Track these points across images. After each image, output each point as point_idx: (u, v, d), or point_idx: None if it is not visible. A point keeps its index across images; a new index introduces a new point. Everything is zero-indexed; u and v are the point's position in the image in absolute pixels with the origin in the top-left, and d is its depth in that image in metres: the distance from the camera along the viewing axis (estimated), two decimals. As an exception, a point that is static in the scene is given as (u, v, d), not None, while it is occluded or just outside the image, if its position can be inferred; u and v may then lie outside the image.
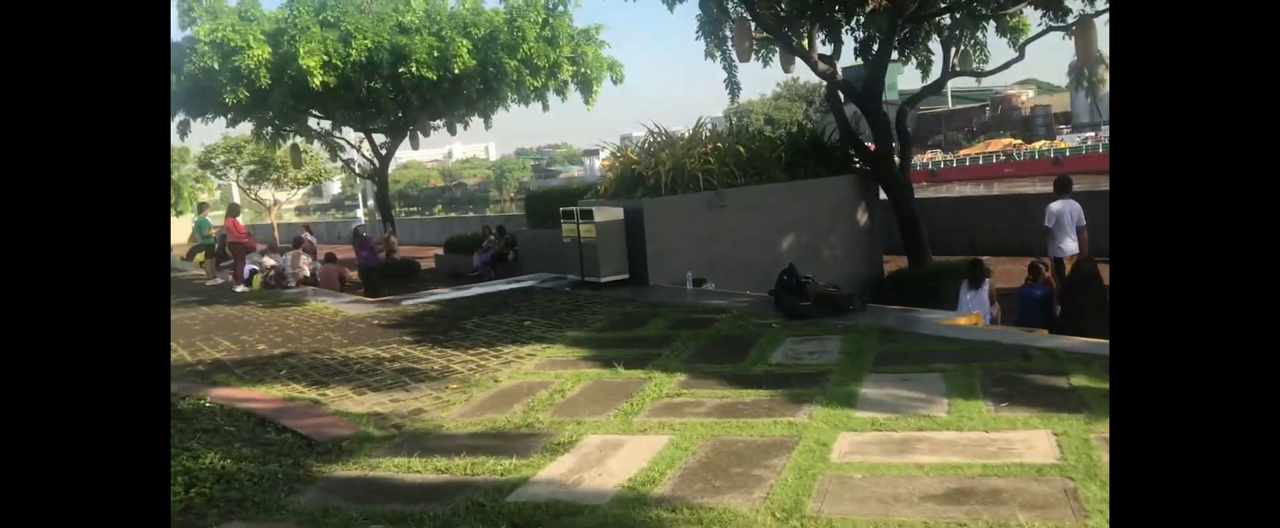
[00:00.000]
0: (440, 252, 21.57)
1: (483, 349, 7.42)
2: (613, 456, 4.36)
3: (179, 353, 8.52)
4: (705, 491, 3.78)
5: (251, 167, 31.62)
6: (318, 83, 14.86)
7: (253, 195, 33.65)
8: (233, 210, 15.92)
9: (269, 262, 15.63)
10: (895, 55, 13.12)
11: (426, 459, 4.51)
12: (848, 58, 13.56)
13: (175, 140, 21.84)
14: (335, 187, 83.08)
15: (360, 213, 36.02)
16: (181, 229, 40.04)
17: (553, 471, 4.20)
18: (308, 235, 18.28)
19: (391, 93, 16.58)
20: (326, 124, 20.12)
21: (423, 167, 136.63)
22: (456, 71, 15.67)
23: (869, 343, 6.42)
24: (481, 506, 3.77)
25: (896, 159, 12.51)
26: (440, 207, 79.97)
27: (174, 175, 36.59)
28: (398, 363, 7.17)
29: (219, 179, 35.30)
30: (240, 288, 14.68)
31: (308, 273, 14.91)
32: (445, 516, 3.69)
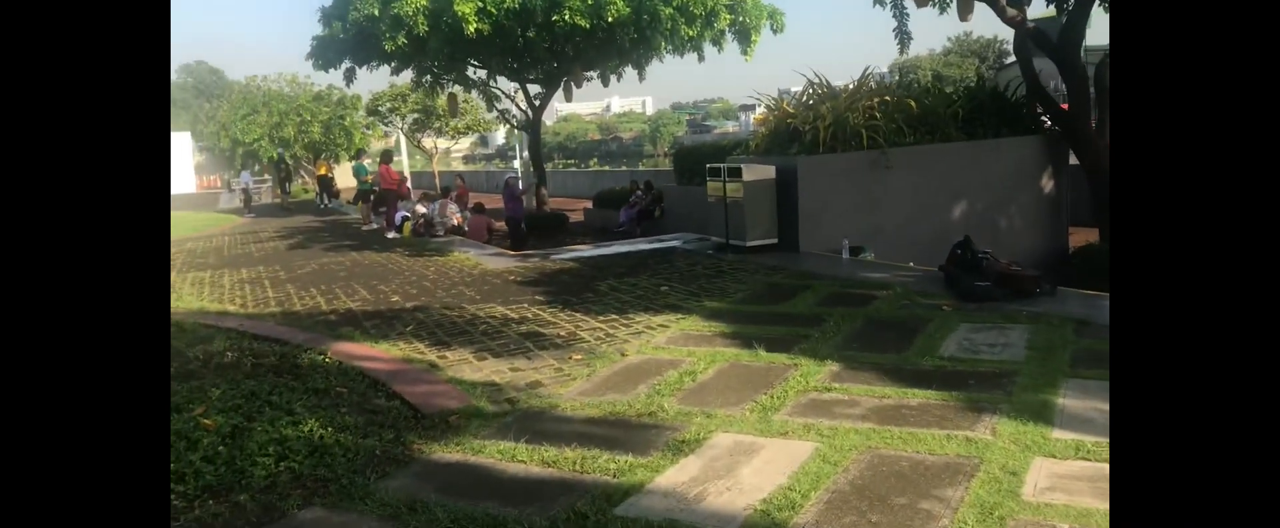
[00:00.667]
0: (589, 205, 21.38)
1: (613, 316, 6.87)
2: (745, 463, 3.66)
3: (316, 300, 8.48)
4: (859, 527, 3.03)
5: (415, 115, 32.51)
6: (472, 30, 14.68)
7: (416, 143, 34.70)
8: (386, 157, 16.12)
9: (421, 209, 15.78)
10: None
11: (534, 447, 3.98)
12: (1037, 6, 11.95)
13: (343, 87, 22.62)
14: (500, 136, 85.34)
15: (516, 163, 36.59)
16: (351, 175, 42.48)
17: (673, 477, 3.56)
18: (460, 183, 18.40)
19: (545, 42, 16.26)
20: (483, 74, 20.18)
21: (581, 119, 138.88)
22: (610, 20, 15.10)
23: (1062, 337, 5.37)
24: (584, 517, 3.18)
25: (1092, 120, 10.92)
26: (595, 159, 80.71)
27: (345, 121, 38.41)
28: (525, 325, 6.73)
29: (386, 126, 36.60)
30: (391, 234, 14.89)
31: (456, 222, 14.91)
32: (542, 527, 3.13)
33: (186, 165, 49.10)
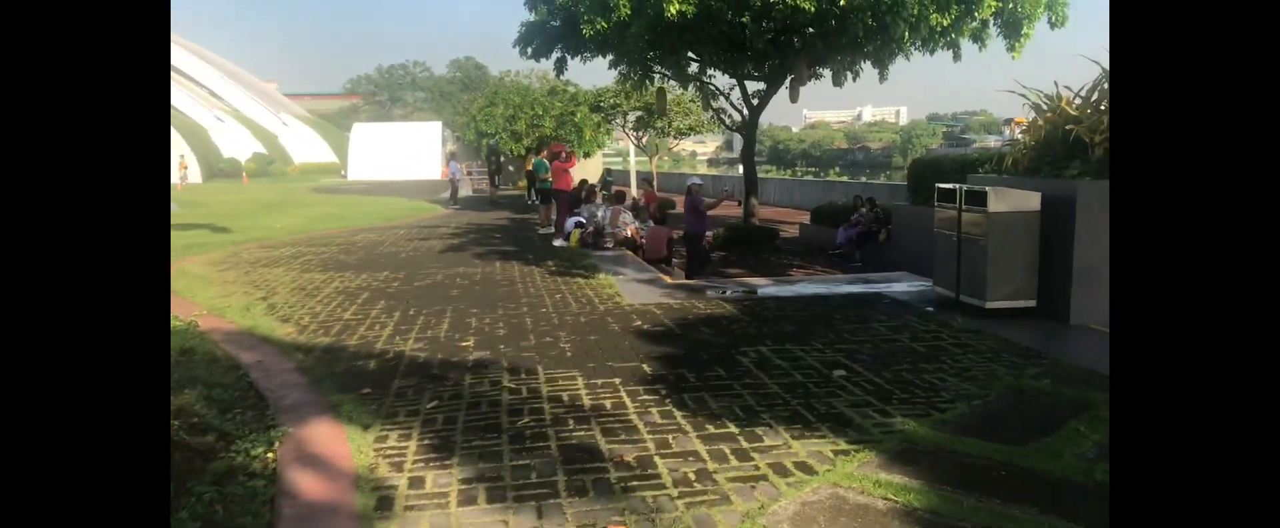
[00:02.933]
0: (808, 219, 18.56)
1: (730, 427, 4.18)
2: None
3: (383, 329, 6.50)
4: None
5: (637, 112, 30.99)
6: (673, 12, 12.48)
7: (638, 141, 33.24)
8: (554, 154, 14.21)
9: (599, 215, 13.75)
10: None
11: None
12: None
13: (553, 77, 21.31)
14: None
15: (740, 170, 34.07)
16: (591, 169, 41.92)
17: None
18: (648, 188, 16.23)
19: (764, 30, 13.69)
20: (697, 67, 17.94)
21: (829, 127, 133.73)
22: (841, 4, 12.30)
23: None
24: None
25: None
26: (836, 169, 76.22)
27: (576, 116, 37.85)
28: (589, 426, 4.24)
29: (612, 123, 35.53)
30: (557, 242, 12.98)
31: (629, 233, 12.72)
32: None
33: (436, 154, 51.61)
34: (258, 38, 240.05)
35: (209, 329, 6.69)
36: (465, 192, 29.35)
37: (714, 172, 45.26)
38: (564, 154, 14.44)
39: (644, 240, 12.66)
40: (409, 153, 52.05)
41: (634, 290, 8.42)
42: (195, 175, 51.38)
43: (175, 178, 34.17)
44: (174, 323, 6.90)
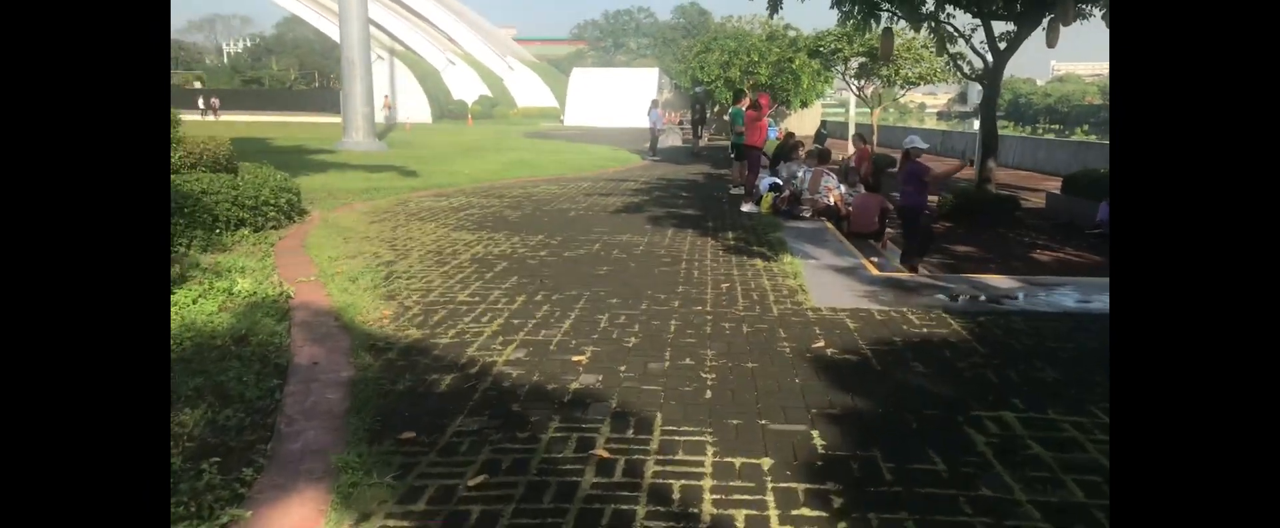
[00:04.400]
0: (1057, 188, 15.45)
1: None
2: None
3: (482, 326, 5.05)
4: None
5: (860, 58, 27.93)
6: (908, -70, 10.12)
7: (859, 91, 30.15)
8: (752, 103, 12.14)
9: (797, 175, 11.72)
10: None
11: None
12: None
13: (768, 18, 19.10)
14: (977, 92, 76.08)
15: (976, 125, 29.98)
16: (808, 121, 39.09)
17: None
18: (862, 145, 13.87)
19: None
20: (933, 4, 15.12)
21: (1080, 80, 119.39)
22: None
23: None
24: None
25: None
26: (1084, 128, 67.54)
27: (794, 63, 35.16)
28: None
29: (833, 71, 32.53)
30: (747, 207, 11.12)
31: (832, 201, 10.63)
32: None
33: (649, 100, 50.72)
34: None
35: (299, 304, 5.57)
36: (670, 141, 27.92)
37: (942, 126, 40.09)
38: (755, 101, 12.39)
39: (850, 210, 10.53)
40: (625, 99, 51.54)
41: (825, 285, 6.47)
42: (424, 115, 53.86)
43: (379, 116, 35.38)
44: (267, 288, 5.86)
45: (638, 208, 11.31)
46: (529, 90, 62.34)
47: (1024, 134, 42.47)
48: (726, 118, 18.37)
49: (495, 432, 3.50)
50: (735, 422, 3.61)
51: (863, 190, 11.24)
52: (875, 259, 8.44)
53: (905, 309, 5.69)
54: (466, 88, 59.19)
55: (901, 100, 30.68)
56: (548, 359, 4.49)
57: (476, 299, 5.84)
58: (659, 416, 3.68)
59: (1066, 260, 10.71)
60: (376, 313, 5.45)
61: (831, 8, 13.81)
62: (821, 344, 4.80)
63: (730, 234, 9.02)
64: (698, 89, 29.55)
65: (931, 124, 41.97)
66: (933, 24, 15.69)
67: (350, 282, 6.24)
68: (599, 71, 60.11)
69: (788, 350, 4.68)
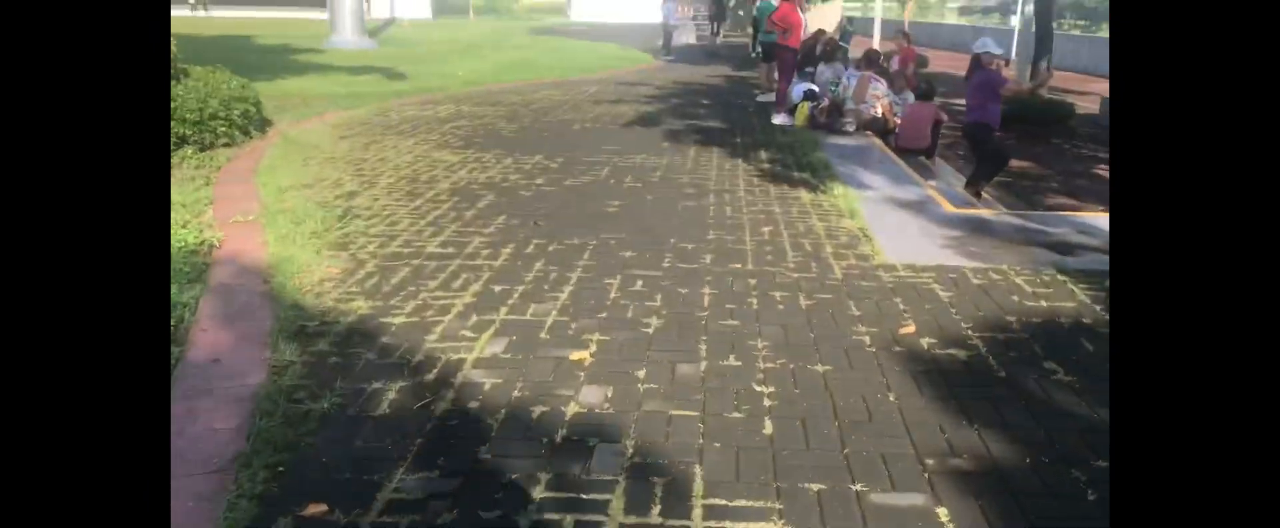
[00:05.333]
0: (1107, 90, 13.90)
1: None
2: None
3: (465, 293, 3.77)
4: None
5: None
6: None
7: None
8: (788, -4, 10.44)
9: (841, 81, 10.18)
10: None
11: None
12: None
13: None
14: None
15: (1015, 21, 27.47)
16: (828, 16, 36.64)
17: None
18: (903, 43, 12.23)
19: None
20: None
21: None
22: None
23: None
24: None
25: None
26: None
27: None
28: None
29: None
30: (778, 118, 9.66)
31: (880, 111, 9.16)
32: None
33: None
34: None
35: (225, 256, 4.32)
36: (685, 39, 25.92)
37: (964, 21, 36.79)
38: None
39: (898, 123, 9.07)
40: (635, -7, 48.74)
41: (892, 229, 5.14)
42: (424, 11, 51.24)
43: (383, 10, 32.76)
44: (189, 234, 4.61)
45: (652, 119, 9.87)
46: (534, -17, 59.28)
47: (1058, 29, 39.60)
48: (753, 10, 16.48)
49: (447, 502, 2.28)
50: (815, 487, 2.37)
51: (912, 98, 9.75)
52: (936, 184, 7.08)
53: (1006, 267, 4.39)
54: (468, -19, 56.23)
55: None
56: (536, 357, 3.24)
57: (450, 251, 4.56)
58: (697, 471, 2.45)
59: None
60: (319, 271, 4.19)
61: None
62: (911, 330, 3.52)
63: (763, 154, 7.63)
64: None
65: (953, 20, 38.55)
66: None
67: (295, 224, 4.94)
68: (607, -37, 56.88)
69: (867, 341, 3.40)
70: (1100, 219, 5.44)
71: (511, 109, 10.40)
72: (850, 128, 9.00)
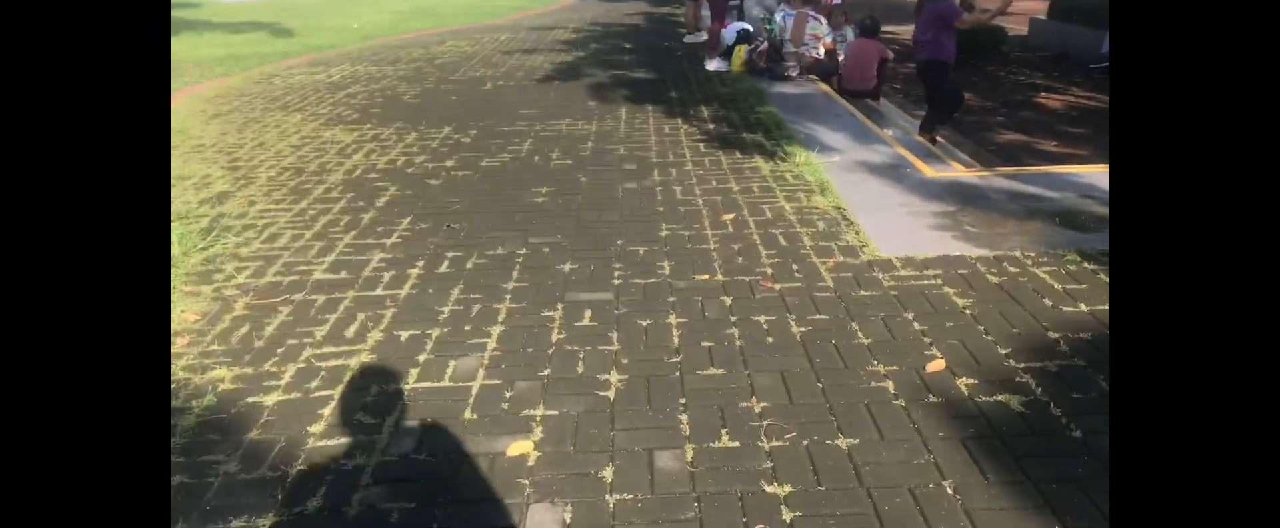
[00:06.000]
0: (1043, 9, 13.50)
1: None
2: None
3: (355, 355, 2.87)
4: None
5: None
6: None
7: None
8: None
9: (775, 21, 9.33)
10: None
11: None
12: None
13: None
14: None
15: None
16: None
17: None
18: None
19: None
20: None
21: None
22: None
23: None
24: None
25: None
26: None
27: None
28: None
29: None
30: (711, 65, 8.77)
31: (822, 53, 8.37)
32: None
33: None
34: None
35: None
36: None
37: None
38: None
39: (842, 64, 8.31)
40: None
41: (874, 208, 4.38)
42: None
43: None
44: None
45: (573, 71, 8.86)
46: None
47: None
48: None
49: None
50: None
51: (850, 35, 8.98)
52: (894, 135, 6.37)
53: (1018, 253, 3.69)
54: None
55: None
56: (461, 454, 2.39)
57: (344, 276, 3.62)
58: None
59: (1084, 107, 8.82)
60: (173, 318, 3.22)
61: None
62: (940, 366, 2.77)
63: (705, 112, 6.76)
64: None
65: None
66: None
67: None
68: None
69: (891, 388, 2.65)
70: (1094, 176, 4.79)
71: (414, 67, 9.24)
72: (793, 73, 8.19)
